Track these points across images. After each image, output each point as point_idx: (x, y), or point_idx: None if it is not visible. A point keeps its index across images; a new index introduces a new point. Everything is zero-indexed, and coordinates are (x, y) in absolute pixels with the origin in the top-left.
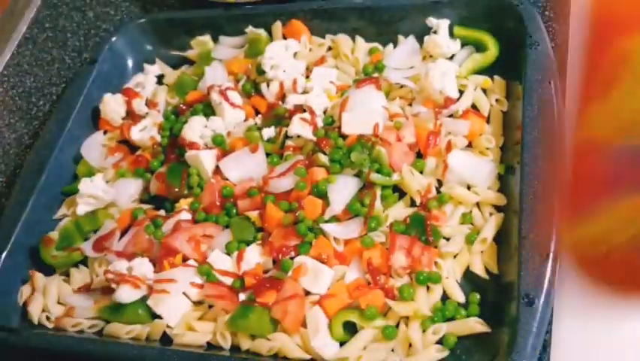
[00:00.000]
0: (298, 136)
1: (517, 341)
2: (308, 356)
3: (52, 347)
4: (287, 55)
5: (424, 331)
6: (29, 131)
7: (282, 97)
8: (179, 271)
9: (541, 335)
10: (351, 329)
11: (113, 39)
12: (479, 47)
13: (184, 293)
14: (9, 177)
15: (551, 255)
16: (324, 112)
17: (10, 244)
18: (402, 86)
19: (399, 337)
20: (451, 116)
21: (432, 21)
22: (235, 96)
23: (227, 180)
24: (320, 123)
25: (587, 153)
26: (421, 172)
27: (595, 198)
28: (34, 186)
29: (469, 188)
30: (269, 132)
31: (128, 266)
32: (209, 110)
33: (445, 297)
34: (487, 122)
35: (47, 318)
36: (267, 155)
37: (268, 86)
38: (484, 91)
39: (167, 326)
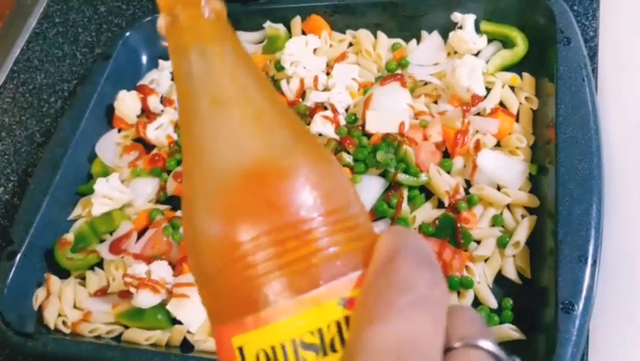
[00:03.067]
0: (320, 135)
1: (557, 350)
2: None
3: (70, 354)
4: (307, 51)
5: None
6: (41, 129)
7: (303, 94)
8: None
9: (581, 344)
10: None
11: (127, 34)
12: (507, 43)
13: None
14: (21, 176)
15: (590, 259)
16: (347, 110)
17: (25, 245)
18: (426, 83)
19: None
20: (478, 114)
21: (457, 16)
22: None
23: None
24: (342, 121)
25: None
26: (449, 172)
27: None
28: (49, 186)
29: (499, 189)
30: None
31: (146, 270)
32: None
33: (476, 303)
34: (517, 120)
35: (64, 323)
36: None
37: (288, 83)
38: (513, 88)
39: (188, 332)
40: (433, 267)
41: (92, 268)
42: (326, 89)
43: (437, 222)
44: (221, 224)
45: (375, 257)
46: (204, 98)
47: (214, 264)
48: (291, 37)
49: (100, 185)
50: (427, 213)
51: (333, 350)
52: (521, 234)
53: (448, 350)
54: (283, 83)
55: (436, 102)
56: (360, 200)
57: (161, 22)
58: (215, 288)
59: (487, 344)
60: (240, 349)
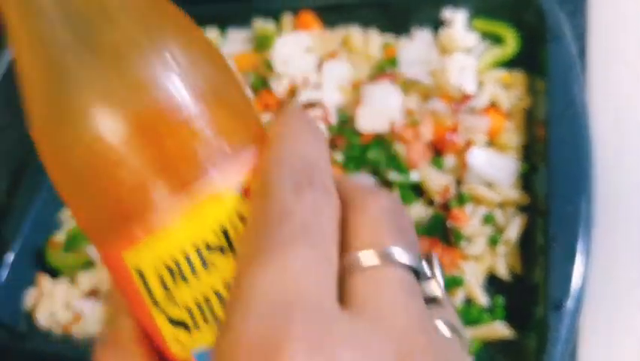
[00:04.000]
0: None
1: (547, 348)
2: None
3: (62, 354)
4: (297, 49)
5: None
6: None
7: (293, 93)
8: None
9: (571, 342)
10: None
11: None
12: (498, 41)
13: None
14: (14, 176)
15: (580, 257)
16: (338, 108)
17: (16, 246)
18: (417, 81)
19: None
20: (469, 112)
21: (448, 14)
22: None
23: None
24: (333, 120)
25: None
26: (440, 170)
27: None
28: (41, 186)
29: (490, 187)
30: None
31: None
32: None
33: (467, 301)
34: (508, 118)
35: (55, 323)
36: None
37: (278, 81)
38: (504, 86)
39: None
40: (314, 183)
41: (84, 268)
42: (316, 87)
43: (428, 220)
44: (87, 123)
45: (262, 159)
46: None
47: (85, 173)
48: (281, 35)
49: None
50: (417, 211)
51: None
52: (512, 232)
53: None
54: (273, 82)
55: (426, 100)
56: (242, 84)
57: None
58: (93, 203)
59: (398, 253)
60: (138, 271)
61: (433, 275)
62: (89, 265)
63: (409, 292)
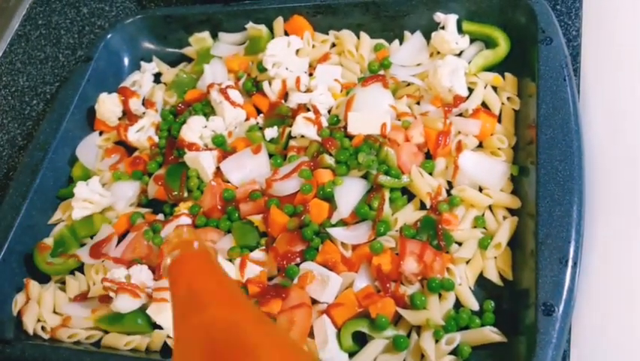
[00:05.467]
0: (302, 136)
1: (537, 352)
2: None
3: (49, 359)
4: (289, 52)
5: (436, 341)
6: (22, 132)
7: (285, 95)
8: None
9: (561, 346)
10: (360, 339)
11: (109, 36)
12: (489, 43)
13: None
14: (1, 180)
15: (570, 261)
16: (329, 111)
17: (4, 250)
18: (409, 84)
19: (410, 347)
20: (460, 115)
21: (439, 16)
22: (236, 95)
23: (228, 182)
24: (325, 123)
25: None
26: (431, 173)
27: None
28: (29, 190)
29: (480, 190)
30: (271, 132)
31: (126, 274)
32: (208, 110)
33: (458, 305)
34: (499, 121)
35: (43, 328)
36: (270, 156)
37: (270, 84)
38: (495, 89)
39: (168, 337)
40: None
41: (72, 272)
42: (308, 90)
43: (419, 223)
44: None
45: None
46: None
47: None
48: (273, 38)
49: (80, 189)
50: (408, 214)
51: None
52: (502, 235)
53: None
54: (265, 85)
55: (418, 103)
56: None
57: (165, 262)
58: None
59: None
60: None
61: None
62: (77, 269)
63: None
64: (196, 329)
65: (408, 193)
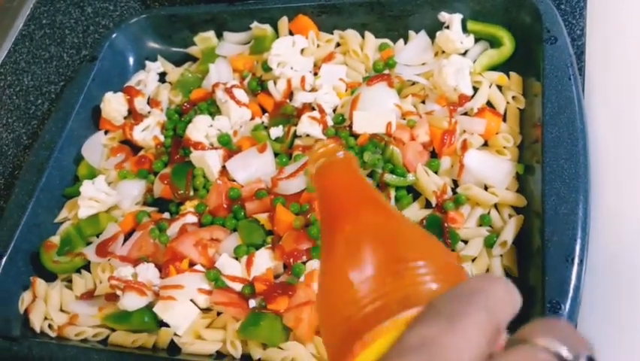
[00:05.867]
0: (307, 135)
1: None
2: None
3: (55, 357)
4: (294, 51)
5: None
6: (27, 131)
7: (290, 95)
8: (186, 277)
9: None
10: None
11: (114, 36)
12: (494, 43)
13: (191, 300)
14: (7, 179)
15: (576, 259)
16: (334, 110)
17: (10, 249)
18: (414, 83)
19: None
20: (465, 114)
21: (444, 16)
22: (241, 94)
23: (234, 181)
24: (330, 122)
25: None
26: (436, 172)
27: None
28: (34, 189)
29: (486, 188)
30: (277, 131)
31: (132, 272)
32: (213, 109)
33: None
34: (504, 120)
35: (50, 326)
36: (276, 155)
37: (275, 83)
38: (500, 88)
39: (175, 335)
40: (451, 319)
41: (78, 270)
42: (313, 89)
43: (424, 222)
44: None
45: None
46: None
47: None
48: (278, 37)
49: (86, 187)
50: (414, 213)
51: None
52: (508, 233)
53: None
54: (270, 84)
55: (423, 102)
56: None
57: (310, 170)
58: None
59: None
60: None
61: None
62: (83, 267)
63: None
64: (349, 236)
65: (413, 192)
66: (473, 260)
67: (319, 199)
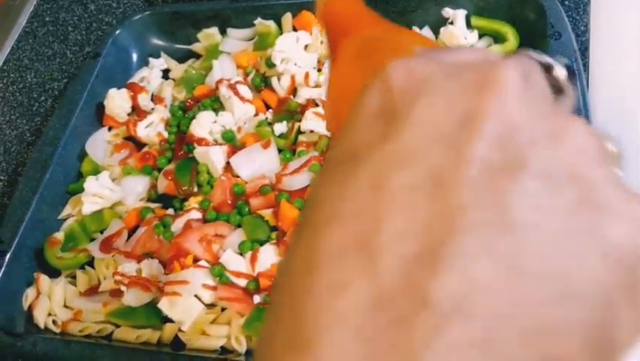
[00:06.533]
0: (311, 131)
1: None
2: None
3: (60, 353)
4: (298, 47)
5: None
6: (31, 128)
7: (294, 91)
8: (190, 273)
9: None
10: None
11: (117, 32)
12: (498, 38)
13: (196, 296)
14: (11, 176)
15: None
16: None
17: (14, 245)
18: None
19: None
20: None
21: (448, 11)
22: (245, 90)
23: (238, 177)
24: None
25: None
26: None
27: None
28: (38, 185)
29: None
30: (281, 127)
31: (137, 268)
32: (217, 105)
33: None
34: None
35: (54, 322)
36: (279, 151)
37: (279, 79)
38: None
39: (179, 330)
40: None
41: (82, 267)
42: (317, 85)
43: None
44: None
45: None
46: None
47: None
48: (281, 33)
49: (90, 183)
50: None
51: None
52: None
53: None
54: (274, 80)
55: None
56: None
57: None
58: None
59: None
60: None
61: None
62: (87, 264)
63: None
64: (348, 47)
65: None
66: None
67: (326, 30)
